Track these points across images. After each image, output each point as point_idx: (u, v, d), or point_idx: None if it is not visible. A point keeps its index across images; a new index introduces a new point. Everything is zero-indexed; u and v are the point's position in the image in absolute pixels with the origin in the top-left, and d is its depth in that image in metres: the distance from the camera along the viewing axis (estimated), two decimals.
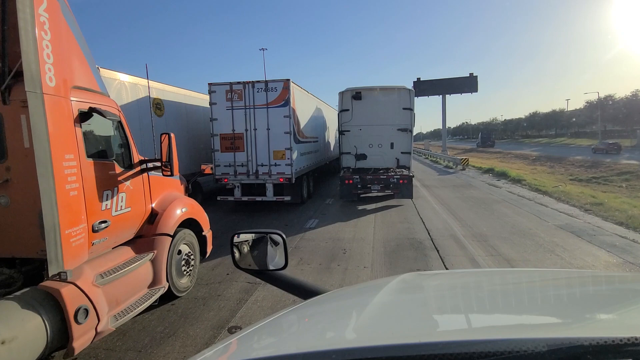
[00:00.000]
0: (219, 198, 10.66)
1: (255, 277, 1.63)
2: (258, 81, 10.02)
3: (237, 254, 1.63)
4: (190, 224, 5.13)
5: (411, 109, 11.41)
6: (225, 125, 10.25)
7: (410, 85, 12.27)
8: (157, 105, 9.57)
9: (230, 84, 10.11)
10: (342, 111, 11.64)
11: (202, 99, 11.48)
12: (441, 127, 42.51)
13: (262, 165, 10.26)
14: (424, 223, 8.55)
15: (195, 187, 11.57)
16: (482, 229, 7.84)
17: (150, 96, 9.29)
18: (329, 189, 15.04)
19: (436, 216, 9.27)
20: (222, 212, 10.75)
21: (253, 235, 1.71)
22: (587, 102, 60.92)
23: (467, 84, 36.64)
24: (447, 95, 37.45)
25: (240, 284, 5.22)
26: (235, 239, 1.64)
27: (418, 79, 37.71)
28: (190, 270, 4.93)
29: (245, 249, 1.67)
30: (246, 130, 10.20)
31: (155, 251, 4.18)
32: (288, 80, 9.93)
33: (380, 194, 11.49)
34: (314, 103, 14.09)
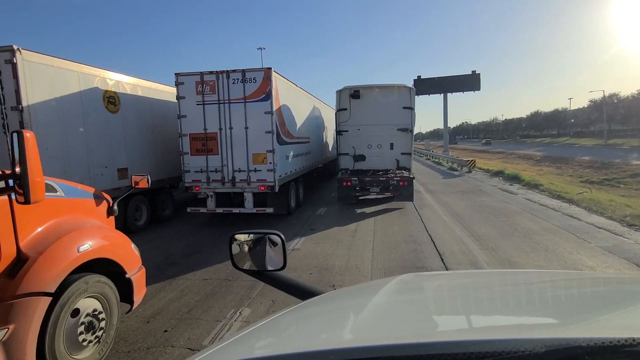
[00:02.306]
0: (189, 210, 9.02)
1: (254, 277, 1.60)
2: (234, 70, 8.38)
3: (235, 255, 1.60)
4: (109, 264, 3.51)
5: (412, 108, 10.80)
6: (196, 124, 8.62)
7: (410, 84, 11.51)
8: (110, 99, 7.92)
9: (201, 73, 8.48)
10: (339, 110, 11.01)
11: (173, 93, 9.82)
12: (440, 127, 41.13)
13: (239, 170, 8.63)
14: (433, 243, 6.93)
15: (166, 197, 9.97)
16: (509, 252, 6.23)
17: (100, 88, 7.68)
18: (323, 195, 13.43)
19: (448, 232, 7.65)
20: (193, 226, 9.11)
21: (252, 235, 1.65)
22: (590, 101, 59.54)
23: (470, 82, 35.13)
24: (449, 94, 35.91)
25: (178, 350, 3.58)
26: (234, 240, 1.61)
27: (419, 77, 36.04)
28: (97, 337, 3.29)
29: (244, 249, 1.63)
30: (220, 129, 8.57)
31: (10, 326, 2.53)
32: (269, 69, 8.30)
33: (379, 196, 10.80)
34: (305, 99, 12.47)
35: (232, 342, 0.93)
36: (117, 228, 8.22)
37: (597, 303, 1.06)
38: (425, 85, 34.74)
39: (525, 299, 1.13)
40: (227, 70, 8.39)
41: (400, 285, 1.31)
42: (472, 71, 35.45)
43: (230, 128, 8.53)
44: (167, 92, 10.01)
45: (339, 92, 10.97)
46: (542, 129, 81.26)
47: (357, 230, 8.15)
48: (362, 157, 11.16)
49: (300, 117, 11.28)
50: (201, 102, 8.52)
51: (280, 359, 0.72)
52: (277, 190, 8.61)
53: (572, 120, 67.85)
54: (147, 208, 9.09)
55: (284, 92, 9.34)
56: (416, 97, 11.35)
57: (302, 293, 1.44)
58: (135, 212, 8.78)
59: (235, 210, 8.81)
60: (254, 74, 8.32)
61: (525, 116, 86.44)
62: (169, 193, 10.04)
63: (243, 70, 8.34)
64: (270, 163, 8.49)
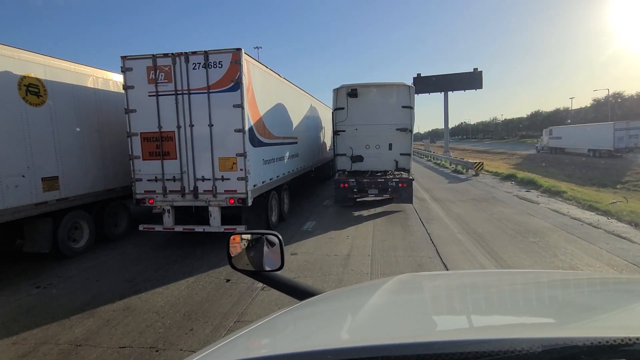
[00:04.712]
0: (141, 228, 7.20)
1: (251, 277, 1.57)
2: (194, 52, 6.62)
3: (233, 255, 1.57)
4: None
5: (411, 107, 10.32)
6: (148, 120, 6.85)
7: (410, 82, 11.22)
8: (31, 88, 6.11)
9: (154, 56, 6.70)
10: (336, 110, 10.50)
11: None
12: (438, 127, 39.66)
13: (203, 179, 6.86)
14: None
15: (119, 210, 8.20)
16: None
17: (15, 72, 5.90)
18: (313, 204, 11.66)
19: (468, 261, 5.92)
20: (148, 247, 7.33)
21: (249, 236, 1.63)
22: (594, 100, 58.07)
23: (471, 80, 33.47)
24: (450, 93, 34.27)
25: None
26: (232, 240, 1.59)
27: (418, 74, 34.25)
28: None
29: (242, 249, 1.60)
30: (179, 127, 6.80)
31: None
32: (239, 50, 6.54)
33: (377, 198, 10.57)
34: (293, 92, 10.73)
35: (229, 342, 0.91)
36: (43, 252, 6.51)
37: (594, 303, 1.04)
38: (425, 84, 32.99)
39: (522, 298, 1.12)
40: (186, 52, 6.62)
41: (398, 285, 1.29)
42: (474, 69, 33.82)
43: (191, 126, 6.77)
44: (120, 82, 8.23)
45: (336, 91, 10.44)
46: (543, 129, 79.81)
47: (351, 255, 6.40)
48: (359, 158, 10.68)
49: (285, 113, 9.54)
50: (154, 93, 6.75)
51: (277, 359, 0.71)
52: (250, 203, 6.84)
53: (569, 121, 66.52)
54: (91, 225, 7.30)
55: (260, 81, 7.58)
56: (416, 95, 10.87)
57: (300, 293, 1.42)
58: (74, 231, 7.01)
59: (198, 228, 7.02)
60: (220, 56, 6.56)
61: (525, 116, 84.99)
62: (122, 205, 8.25)
63: (205, 51, 6.56)
64: (242, 170, 6.73)
